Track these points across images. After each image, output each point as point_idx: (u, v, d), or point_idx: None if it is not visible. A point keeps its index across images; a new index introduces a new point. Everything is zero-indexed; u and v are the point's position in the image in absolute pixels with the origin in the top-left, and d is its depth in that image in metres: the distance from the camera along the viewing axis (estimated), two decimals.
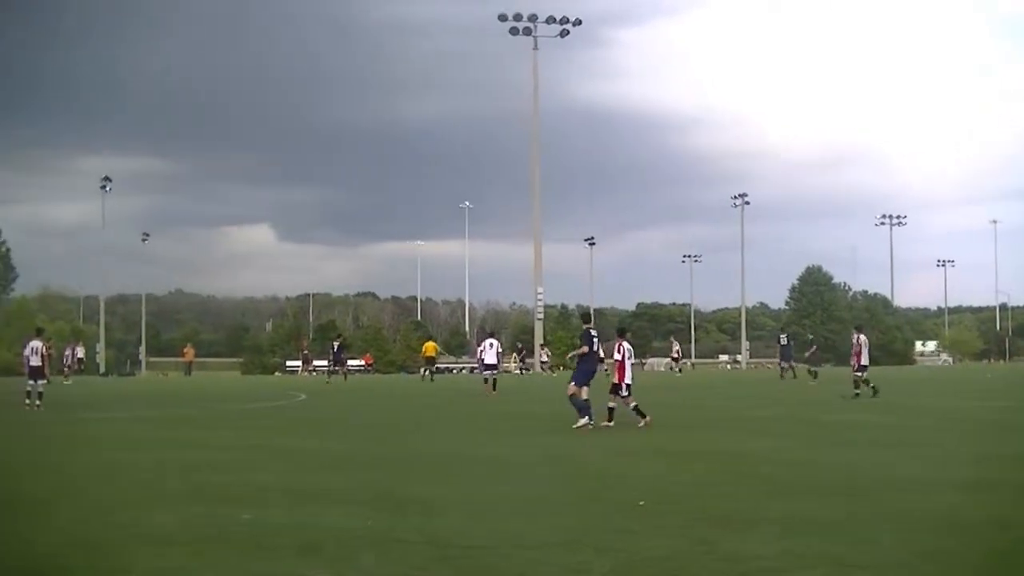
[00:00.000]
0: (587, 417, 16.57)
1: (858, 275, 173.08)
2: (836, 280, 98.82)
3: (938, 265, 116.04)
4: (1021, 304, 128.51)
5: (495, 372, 31.37)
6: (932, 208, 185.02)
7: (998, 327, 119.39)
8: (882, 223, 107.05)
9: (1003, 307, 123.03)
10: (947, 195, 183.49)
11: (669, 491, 9.89)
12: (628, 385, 17.02)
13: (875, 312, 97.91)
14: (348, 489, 10.14)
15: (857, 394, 24.82)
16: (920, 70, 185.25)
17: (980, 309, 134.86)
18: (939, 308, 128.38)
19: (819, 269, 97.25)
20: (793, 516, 8.20)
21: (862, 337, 26.00)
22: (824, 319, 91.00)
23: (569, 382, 17.51)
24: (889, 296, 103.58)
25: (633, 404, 17.01)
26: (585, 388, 16.92)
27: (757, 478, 10.82)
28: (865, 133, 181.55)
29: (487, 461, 12.89)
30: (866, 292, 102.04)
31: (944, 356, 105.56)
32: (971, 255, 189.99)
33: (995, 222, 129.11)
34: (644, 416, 16.81)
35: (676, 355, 55.51)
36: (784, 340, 42.12)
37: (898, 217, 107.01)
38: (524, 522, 8.13)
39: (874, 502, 9.00)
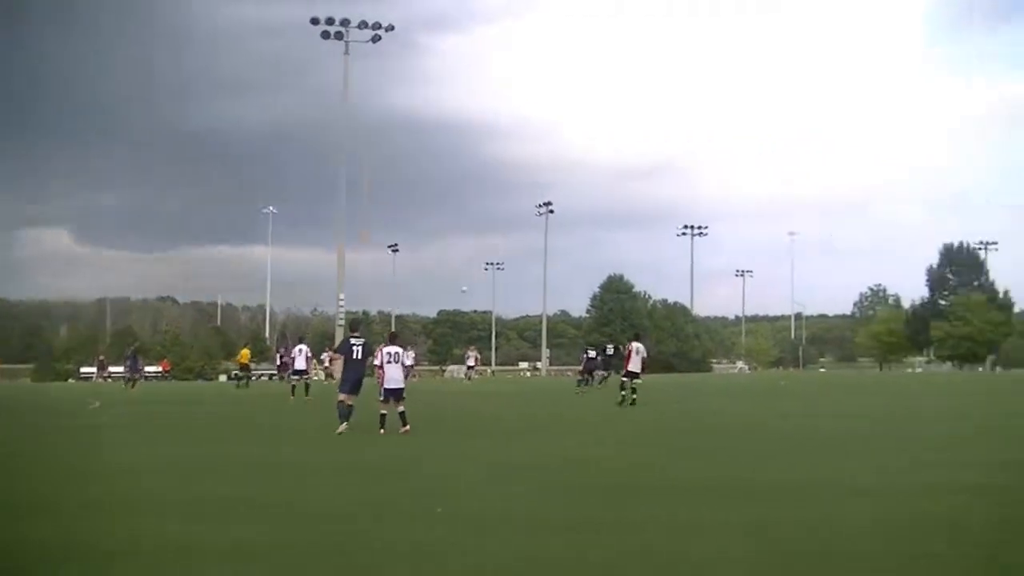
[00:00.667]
0: (345, 423, 17.04)
1: (660, 284, 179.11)
2: (638, 289, 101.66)
3: (737, 275, 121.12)
4: (815, 314, 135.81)
5: (303, 378, 31.39)
6: (733, 219, 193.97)
7: (792, 336, 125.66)
8: (683, 233, 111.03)
9: (798, 317, 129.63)
10: (748, 207, 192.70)
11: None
12: (388, 390, 17.01)
13: (675, 320, 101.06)
14: None
15: (623, 398, 25.34)
16: (721, 84, 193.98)
17: (776, 318, 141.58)
18: (737, 317, 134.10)
19: (621, 278, 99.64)
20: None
21: (636, 345, 26.26)
22: (624, 327, 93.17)
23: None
24: (689, 305, 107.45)
25: (400, 409, 17.02)
26: (351, 396, 17.21)
27: None
28: (670, 146, 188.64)
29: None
30: (666, 301, 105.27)
31: (740, 364, 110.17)
32: (769, 266, 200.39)
33: (793, 234, 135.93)
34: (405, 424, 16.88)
35: (473, 362, 55.64)
36: (592, 353, 41.18)
37: (699, 228, 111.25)
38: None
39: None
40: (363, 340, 17.84)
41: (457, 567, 6.72)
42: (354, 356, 17.43)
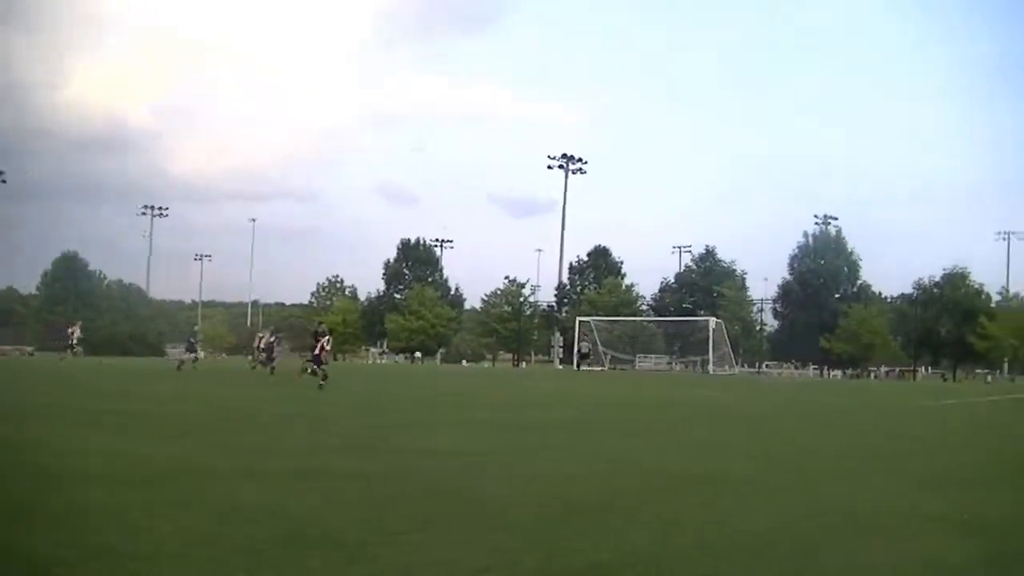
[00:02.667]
0: None
1: (118, 264, 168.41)
2: (93, 267, 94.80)
3: (196, 259, 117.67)
4: (271, 301, 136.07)
5: None
6: (196, 202, 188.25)
7: (248, 323, 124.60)
8: (144, 213, 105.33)
9: (255, 304, 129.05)
10: (211, 191, 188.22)
11: None
12: None
13: (131, 302, 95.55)
14: None
15: None
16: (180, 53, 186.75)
17: (234, 304, 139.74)
18: (194, 301, 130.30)
19: (75, 255, 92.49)
20: None
21: None
22: (78, 306, 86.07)
23: None
24: (145, 287, 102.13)
25: None
26: None
27: None
28: (134, 119, 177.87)
29: None
30: (121, 281, 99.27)
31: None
32: (230, 251, 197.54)
33: (253, 220, 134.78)
34: None
35: None
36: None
37: (160, 208, 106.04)
38: None
39: None
40: None
41: None
42: None
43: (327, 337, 29.23)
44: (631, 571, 5.94)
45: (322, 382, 25.95)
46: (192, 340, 43.09)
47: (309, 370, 28.46)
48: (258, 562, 5.70)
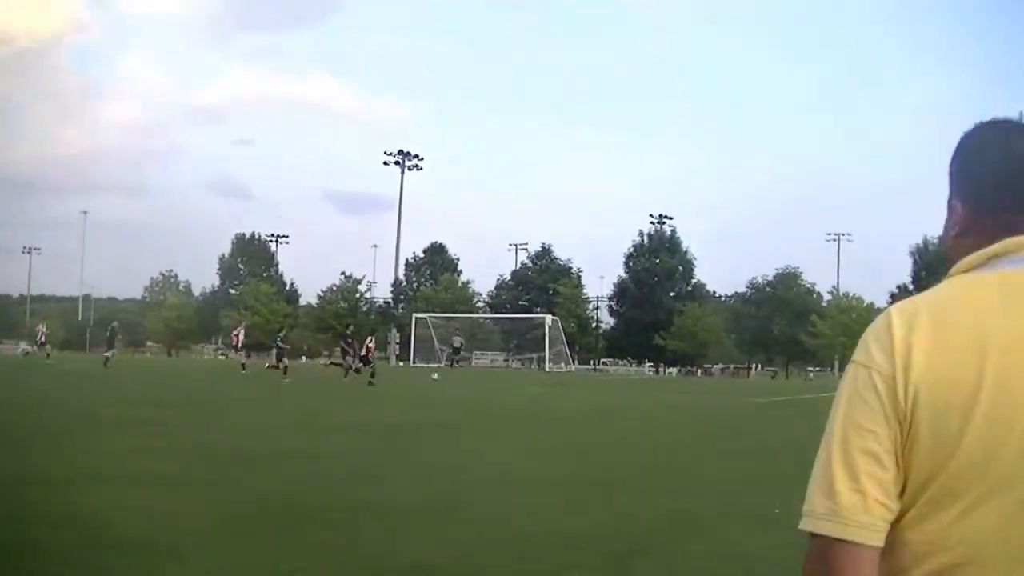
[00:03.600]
0: None
1: None
2: None
3: (24, 252, 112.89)
4: (103, 296, 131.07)
5: None
6: (21, 195, 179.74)
7: (80, 318, 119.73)
8: None
9: (86, 298, 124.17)
10: (38, 183, 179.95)
11: None
12: None
13: None
14: None
15: None
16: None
17: (64, 299, 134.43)
18: (21, 296, 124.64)
19: None
20: None
21: None
22: None
23: None
24: None
25: None
26: None
27: None
28: None
29: None
30: None
31: (23, 345, 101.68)
32: (60, 244, 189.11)
33: (85, 213, 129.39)
34: None
35: None
36: None
37: None
38: None
39: None
40: None
41: None
42: None
43: (370, 337, 34.27)
44: (452, 570, 6.07)
45: (372, 379, 29.56)
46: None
47: (355, 367, 32.02)
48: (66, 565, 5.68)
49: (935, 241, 79.52)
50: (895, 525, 1.42)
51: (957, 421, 1.37)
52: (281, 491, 8.74)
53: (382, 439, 14.23)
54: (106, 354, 40.01)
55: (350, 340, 35.53)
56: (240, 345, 43.05)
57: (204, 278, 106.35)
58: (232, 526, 7.03)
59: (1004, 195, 1.54)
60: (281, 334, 40.92)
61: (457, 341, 63.75)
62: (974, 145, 1.61)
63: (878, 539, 1.39)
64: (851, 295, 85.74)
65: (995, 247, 1.49)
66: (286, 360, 36.33)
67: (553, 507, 8.43)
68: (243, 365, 39.92)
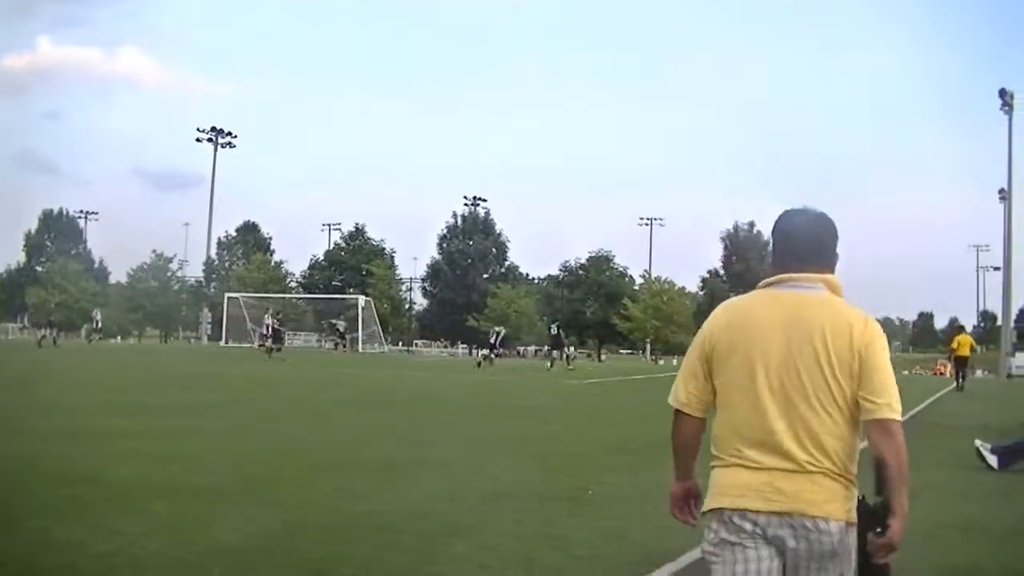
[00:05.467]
0: None
1: None
2: None
3: None
4: None
5: None
6: None
7: None
8: None
9: None
10: None
11: None
12: None
13: None
14: None
15: None
16: None
17: None
18: None
19: None
20: None
21: None
22: None
23: None
24: None
25: None
26: None
27: None
28: None
29: None
30: None
31: None
32: None
33: None
34: None
35: None
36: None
37: None
38: None
39: None
40: None
41: None
42: None
43: None
44: (262, 553, 6.00)
45: None
46: None
47: None
48: None
49: (745, 227, 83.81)
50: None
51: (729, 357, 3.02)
52: (91, 471, 8.55)
53: (197, 419, 13.83)
54: None
55: None
56: (269, 333, 45.83)
57: (9, 255, 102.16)
58: (41, 507, 6.96)
59: (778, 253, 3.09)
60: (279, 316, 47.17)
61: (342, 324, 63.76)
62: (776, 224, 3.15)
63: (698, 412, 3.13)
64: (663, 279, 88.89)
65: (771, 279, 3.07)
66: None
67: (369, 490, 8.44)
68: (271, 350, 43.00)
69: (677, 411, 3.12)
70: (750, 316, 3.02)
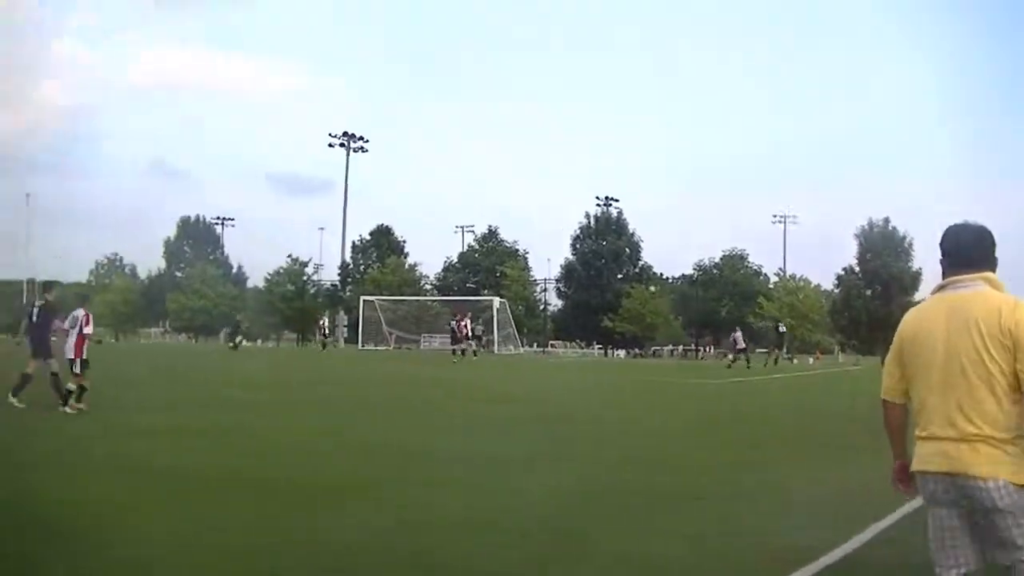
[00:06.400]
0: None
1: None
2: None
3: None
4: (47, 279, 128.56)
5: None
6: None
7: (24, 300, 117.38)
8: None
9: (31, 281, 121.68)
10: None
11: None
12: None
13: None
14: None
15: None
16: None
17: (7, 283, 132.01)
18: None
19: None
20: None
21: None
22: None
23: None
24: None
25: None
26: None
27: None
28: None
29: None
30: None
31: None
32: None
33: (28, 195, 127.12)
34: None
35: None
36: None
37: None
38: None
39: None
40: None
41: None
42: None
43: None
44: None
45: None
46: None
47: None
48: None
49: (880, 223, 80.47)
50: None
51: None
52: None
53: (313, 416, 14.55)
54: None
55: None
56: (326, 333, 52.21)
57: (150, 262, 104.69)
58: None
59: (946, 258, 3.84)
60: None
61: (479, 329, 62.34)
62: (943, 235, 3.84)
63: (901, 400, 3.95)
64: (798, 277, 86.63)
65: (940, 283, 3.81)
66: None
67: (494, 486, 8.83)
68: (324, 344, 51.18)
69: (884, 401, 4.00)
70: (924, 316, 3.86)
